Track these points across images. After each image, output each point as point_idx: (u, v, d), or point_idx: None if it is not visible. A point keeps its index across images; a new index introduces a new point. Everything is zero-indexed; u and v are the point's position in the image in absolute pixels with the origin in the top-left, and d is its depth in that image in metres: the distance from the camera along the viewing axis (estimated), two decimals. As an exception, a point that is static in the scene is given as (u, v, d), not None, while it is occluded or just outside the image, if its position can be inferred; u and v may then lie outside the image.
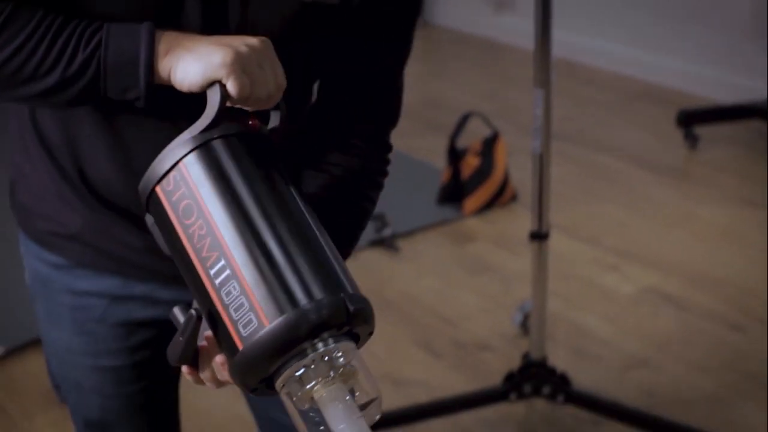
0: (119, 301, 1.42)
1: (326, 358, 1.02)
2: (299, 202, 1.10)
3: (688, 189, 4.07)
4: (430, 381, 2.92)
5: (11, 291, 3.20)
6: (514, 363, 2.73)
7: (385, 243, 3.60)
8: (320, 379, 1.02)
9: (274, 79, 1.13)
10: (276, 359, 1.02)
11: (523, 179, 3.73)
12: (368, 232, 3.52)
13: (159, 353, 1.43)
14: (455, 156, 3.89)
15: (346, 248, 1.27)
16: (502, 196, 3.87)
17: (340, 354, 1.03)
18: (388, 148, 1.40)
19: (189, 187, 1.06)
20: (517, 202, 3.90)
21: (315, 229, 1.09)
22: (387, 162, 1.40)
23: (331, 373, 1.02)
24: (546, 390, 2.67)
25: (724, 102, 4.62)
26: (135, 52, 1.11)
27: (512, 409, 2.76)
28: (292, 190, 1.11)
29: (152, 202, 1.10)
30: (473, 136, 3.96)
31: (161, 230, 1.10)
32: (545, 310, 2.67)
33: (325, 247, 1.08)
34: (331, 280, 1.04)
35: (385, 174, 1.40)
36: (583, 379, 2.80)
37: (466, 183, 3.84)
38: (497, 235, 3.73)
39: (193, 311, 1.06)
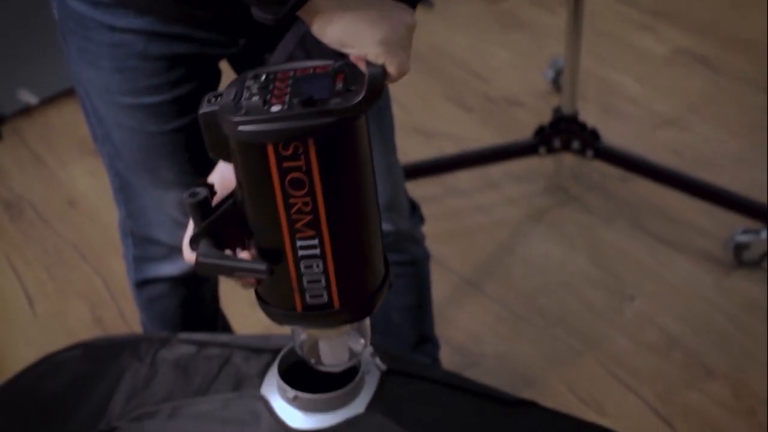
0: (159, 37, 1.40)
1: None
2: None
3: (728, -51, 3.98)
4: (460, 134, 2.95)
5: (40, 41, 3.19)
6: (545, 119, 2.74)
7: (418, -3, 3.55)
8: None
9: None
10: (318, 326, 1.08)
11: (560, -65, 3.65)
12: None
13: (199, 88, 1.45)
14: None
15: None
16: (537, -48, 3.80)
17: None
18: None
19: (310, 164, 0.95)
20: (553, -41, 3.83)
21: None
22: None
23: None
24: (575, 145, 2.67)
25: None
26: None
27: (541, 163, 2.79)
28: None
29: (251, 147, 0.96)
30: None
31: (245, 167, 0.98)
32: (578, 65, 2.64)
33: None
34: (387, 266, 1.08)
35: None
36: (613, 136, 2.82)
37: (502, -63, 3.77)
38: (531, -8, 3.68)
39: (264, 267, 0.99)
